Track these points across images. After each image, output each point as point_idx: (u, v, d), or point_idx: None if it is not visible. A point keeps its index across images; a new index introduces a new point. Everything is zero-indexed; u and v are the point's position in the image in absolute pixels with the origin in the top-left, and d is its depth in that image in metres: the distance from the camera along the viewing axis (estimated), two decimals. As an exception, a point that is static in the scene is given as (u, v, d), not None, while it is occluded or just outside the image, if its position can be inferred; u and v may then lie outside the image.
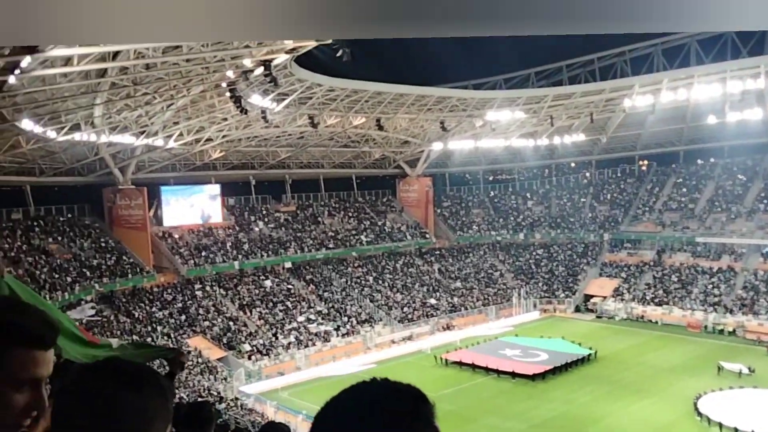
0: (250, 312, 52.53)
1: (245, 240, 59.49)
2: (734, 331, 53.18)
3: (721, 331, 53.93)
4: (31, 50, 25.82)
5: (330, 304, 56.64)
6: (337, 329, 52.89)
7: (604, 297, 63.75)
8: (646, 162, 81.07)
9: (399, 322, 56.45)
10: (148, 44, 28.79)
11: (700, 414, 35.12)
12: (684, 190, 72.28)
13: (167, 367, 4.65)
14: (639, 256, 67.62)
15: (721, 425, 33.37)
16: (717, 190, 69.70)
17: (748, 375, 41.38)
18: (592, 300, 64.22)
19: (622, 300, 62.42)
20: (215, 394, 39.60)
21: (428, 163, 73.17)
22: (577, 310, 64.20)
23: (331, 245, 63.58)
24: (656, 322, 58.13)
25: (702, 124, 68.19)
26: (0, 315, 1.65)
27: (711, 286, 59.60)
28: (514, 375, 43.62)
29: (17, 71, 28.12)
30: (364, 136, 63.22)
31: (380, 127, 57.55)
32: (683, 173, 74.64)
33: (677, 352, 48.99)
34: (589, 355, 47.41)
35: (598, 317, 61.66)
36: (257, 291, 55.86)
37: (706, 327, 55.26)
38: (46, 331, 1.70)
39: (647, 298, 61.39)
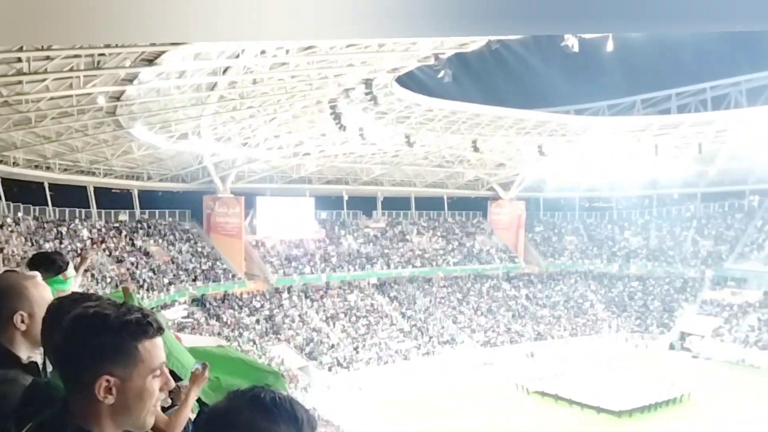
0: (333, 325, 53.45)
1: (334, 253, 60.69)
2: None
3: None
4: (150, 62, 27.80)
5: (412, 323, 56.71)
6: (417, 348, 52.86)
7: (702, 336, 60.24)
8: (757, 197, 76.35)
9: (481, 346, 55.69)
10: (279, 45, 29.38)
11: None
12: (798, 228, 67.44)
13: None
14: (744, 295, 63.51)
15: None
16: (838, 231, 64.57)
17: None
18: (688, 338, 60.83)
19: (722, 341, 58.76)
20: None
21: (522, 186, 72.10)
22: (672, 348, 61.00)
23: (417, 263, 63.77)
24: (758, 367, 54.23)
25: (822, 160, 63.49)
26: (123, 315, 1.94)
27: (824, 334, 55.13)
28: (599, 410, 42.05)
29: (136, 82, 30.29)
30: (459, 156, 63.16)
31: (476, 149, 57.35)
32: (797, 211, 69.69)
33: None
34: (682, 396, 45.00)
35: (694, 357, 58.31)
36: (342, 304, 56.79)
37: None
38: (158, 319, 2.00)
39: (750, 340, 57.50)
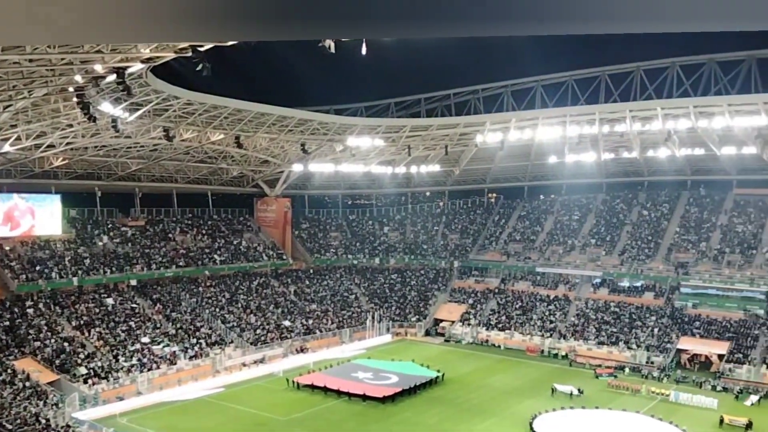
0: (89, 332, 48.81)
1: (87, 255, 55.48)
2: (567, 355, 57.41)
3: (556, 355, 58.02)
4: None
5: (178, 325, 54.05)
6: (185, 351, 50.54)
7: (453, 321, 66.37)
8: (494, 195, 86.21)
9: (251, 344, 55.04)
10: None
11: (535, 433, 37.35)
12: (527, 223, 77.53)
13: None
14: (485, 283, 71.30)
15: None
16: (555, 224, 75.49)
17: (578, 396, 44.74)
18: (441, 324, 66.61)
19: (469, 325, 65.32)
20: (43, 421, 36.17)
21: (287, 183, 72.71)
22: (428, 333, 66.27)
23: (181, 263, 60.98)
24: (499, 346, 61.37)
25: (544, 163, 74.01)
26: None
27: (548, 313, 64.05)
28: (365, 398, 43.95)
29: None
30: (222, 152, 61.63)
31: (239, 145, 56.39)
32: (527, 207, 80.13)
33: (517, 374, 51.98)
34: (437, 377, 48.95)
35: (446, 341, 63.99)
36: (98, 310, 52.08)
37: (542, 351, 59.20)
38: None
39: (492, 323, 64.73)
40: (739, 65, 57.52)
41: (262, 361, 53.25)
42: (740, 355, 52.22)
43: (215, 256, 64.39)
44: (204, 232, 67.45)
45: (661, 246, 66.78)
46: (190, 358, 50.20)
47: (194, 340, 52.41)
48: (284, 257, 70.48)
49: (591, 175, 74.59)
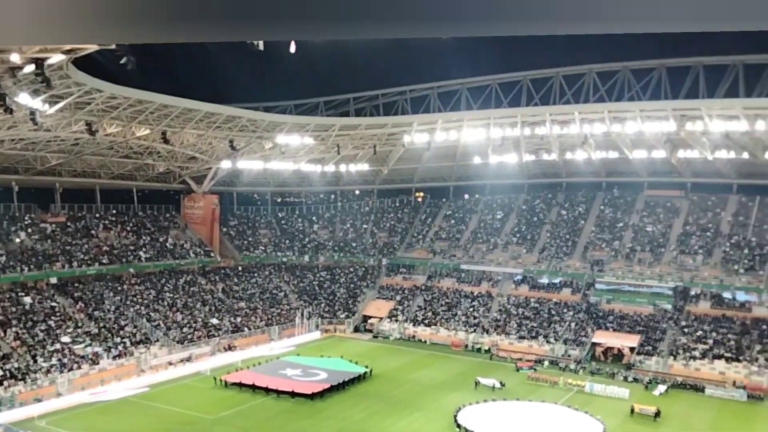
0: (4, 332, 47.00)
1: (2, 252, 53.30)
2: (489, 349, 59.50)
3: (479, 350, 60.03)
4: None
5: (101, 324, 52.74)
6: (108, 351, 49.42)
7: (381, 318, 67.51)
8: (421, 194, 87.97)
9: (178, 342, 54.33)
10: None
11: (459, 425, 38.75)
12: (452, 222, 79.60)
13: None
14: (412, 280, 72.81)
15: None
16: (479, 223, 77.87)
17: (500, 389, 46.61)
18: (369, 321, 67.61)
19: (397, 321, 66.62)
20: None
21: (215, 180, 71.87)
22: (356, 330, 67.14)
23: (105, 260, 59.42)
24: (425, 342, 62.91)
25: (469, 164, 76.28)
26: None
27: (472, 309, 66.11)
28: (293, 394, 44.31)
29: None
30: (148, 148, 60.37)
31: (166, 141, 55.45)
32: (452, 206, 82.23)
33: (442, 369, 53.55)
34: (365, 373, 49.84)
35: (374, 337, 65.05)
36: (14, 309, 50.17)
37: (467, 346, 61.11)
38: None
39: (418, 319, 66.23)
40: (650, 73, 61.16)
41: (188, 359, 52.68)
42: (650, 348, 55.61)
43: (140, 254, 63.04)
44: (129, 228, 65.88)
45: (578, 244, 70.05)
46: (114, 357, 49.14)
47: (118, 339, 51.31)
48: (212, 255, 69.72)
49: (513, 176, 77.39)
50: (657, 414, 41.45)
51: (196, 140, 60.57)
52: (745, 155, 62.40)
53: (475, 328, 63.11)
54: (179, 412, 41.21)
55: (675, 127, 57.79)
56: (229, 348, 56.70)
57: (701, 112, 55.41)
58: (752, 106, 53.00)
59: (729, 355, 52.55)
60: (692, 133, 59.77)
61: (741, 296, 58.96)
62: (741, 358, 51.97)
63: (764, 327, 55.04)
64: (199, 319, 59.17)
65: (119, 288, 59.04)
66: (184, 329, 56.63)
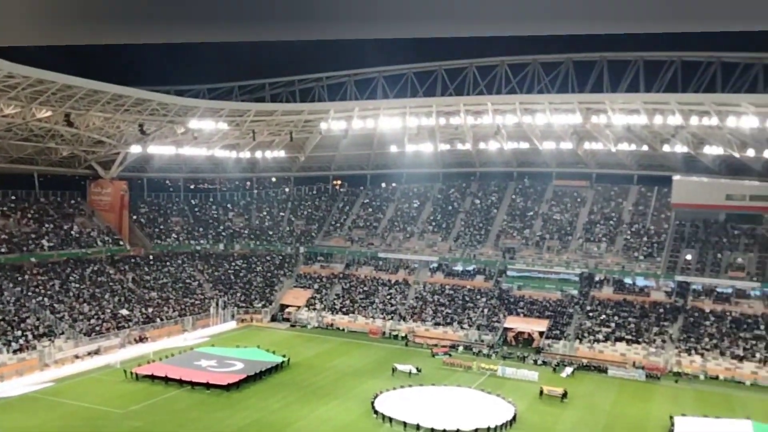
0: None
1: None
2: (406, 336, 60.49)
3: (396, 337, 60.92)
4: None
5: (1, 316, 49.76)
6: (8, 345, 46.75)
7: (299, 307, 67.19)
8: (339, 182, 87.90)
9: (85, 335, 52.07)
10: None
11: (376, 412, 39.27)
12: (370, 210, 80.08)
13: None
14: (330, 268, 72.83)
15: (392, 420, 37.85)
16: (396, 211, 78.73)
17: (417, 374, 47.54)
18: (287, 310, 67.16)
19: (315, 309, 66.52)
20: None
21: (124, 166, 69.00)
22: (274, 319, 66.53)
23: (3, 249, 56.03)
24: (343, 330, 63.20)
25: (386, 152, 76.92)
26: None
27: (389, 296, 66.90)
28: (208, 386, 43.48)
29: None
30: (50, 130, 57.22)
31: (70, 123, 52.75)
32: (370, 195, 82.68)
33: (360, 356, 54.02)
34: (283, 362, 49.54)
35: (292, 326, 64.72)
36: None
37: (384, 333, 61.87)
38: None
39: (336, 307, 66.39)
40: (558, 67, 63.53)
41: (96, 352, 50.62)
42: (557, 332, 58.17)
43: (43, 242, 59.84)
44: (29, 216, 62.35)
45: (490, 233, 72.14)
46: (14, 351, 46.56)
47: (19, 333, 48.62)
48: (121, 243, 67.06)
49: (429, 165, 78.67)
50: (564, 395, 43.45)
51: (103, 123, 57.98)
52: (645, 147, 66.12)
53: (392, 315, 63.93)
54: (87, 407, 39.60)
55: (581, 119, 60.42)
56: (141, 340, 54.91)
57: (605, 106, 58.23)
58: (651, 101, 56.21)
59: (629, 337, 55.78)
60: (597, 125, 62.76)
61: (640, 281, 62.66)
62: (640, 340, 55.30)
63: (661, 311, 58.76)
64: (108, 310, 56.90)
65: (20, 278, 55.87)
66: (92, 321, 54.31)
